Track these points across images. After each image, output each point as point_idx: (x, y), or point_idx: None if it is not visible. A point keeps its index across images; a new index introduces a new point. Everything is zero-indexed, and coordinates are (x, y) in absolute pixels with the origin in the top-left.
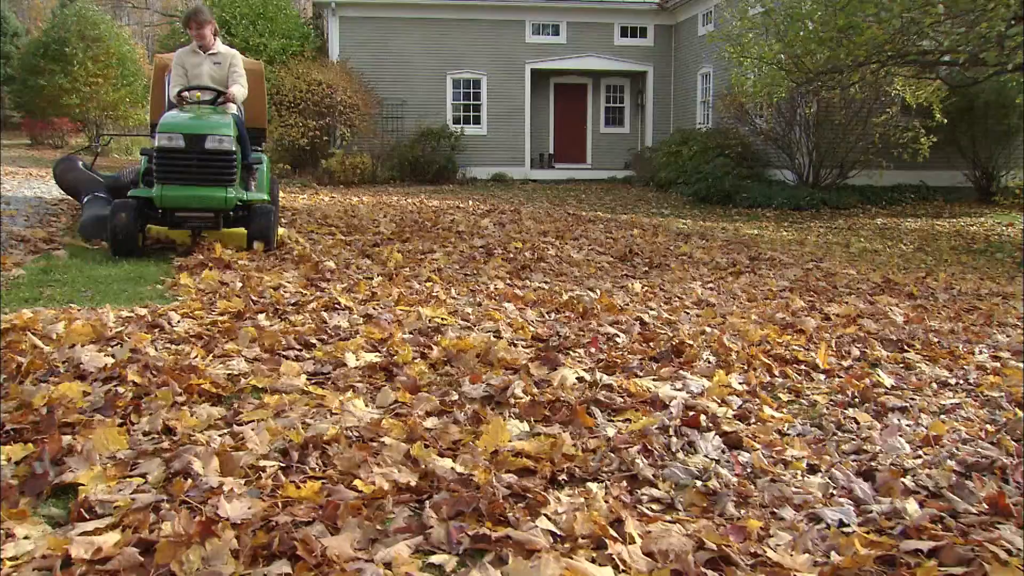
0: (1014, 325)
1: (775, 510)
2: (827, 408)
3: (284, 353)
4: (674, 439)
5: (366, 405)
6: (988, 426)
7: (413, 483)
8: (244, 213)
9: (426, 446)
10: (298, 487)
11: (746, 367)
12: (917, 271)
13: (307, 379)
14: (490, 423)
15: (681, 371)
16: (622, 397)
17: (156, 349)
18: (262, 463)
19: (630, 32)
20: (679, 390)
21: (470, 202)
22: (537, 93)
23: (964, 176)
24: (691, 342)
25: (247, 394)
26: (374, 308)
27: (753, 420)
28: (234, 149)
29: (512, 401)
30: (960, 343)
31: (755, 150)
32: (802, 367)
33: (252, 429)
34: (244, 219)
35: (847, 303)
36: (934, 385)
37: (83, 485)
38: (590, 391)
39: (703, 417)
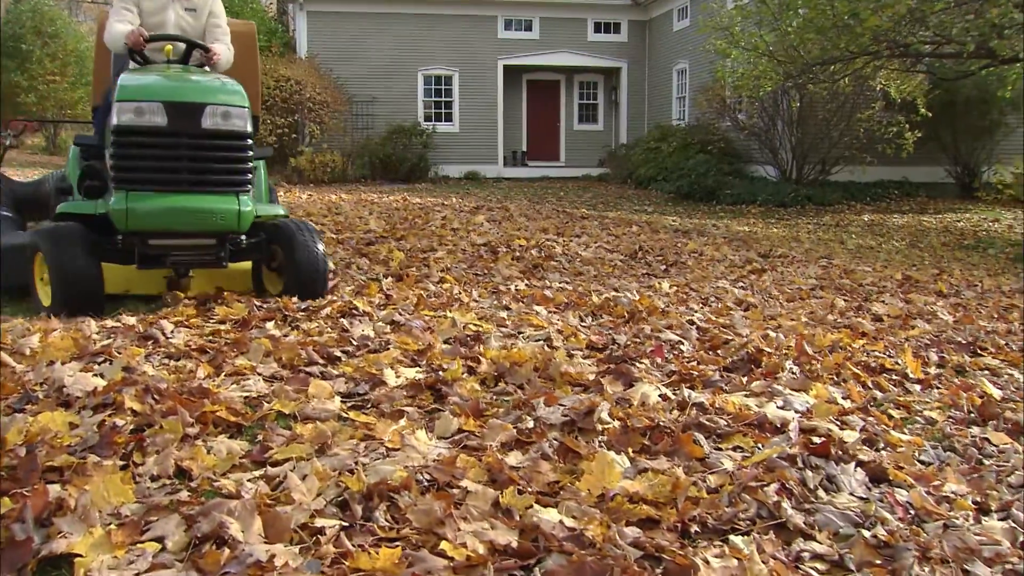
0: None
1: (966, 567)
2: (950, 427)
3: (307, 369)
4: (809, 473)
5: (427, 436)
6: None
7: (514, 543)
8: (258, 239)
9: (520, 492)
10: (371, 555)
11: (836, 378)
12: (929, 268)
13: (342, 402)
14: (593, 459)
15: (774, 385)
16: (722, 418)
17: (153, 367)
18: (317, 521)
19: (604, 28)
20: (783, 409)
21: (453, 199)
22: (509, 90)
23: (946, 172)
24: (768, 349)
25: (272, 422)
26: (399, 313)
27: (882, 445)
28: (250, 130)
29: (599, 427)
30: None
31: (736, 146)
32: (892, 376)
33: (292, 471)
34: (255, 247)
35: (885, 302)
36: None
37: (81, 556)
38: (682, 412)
39: (831, 444)
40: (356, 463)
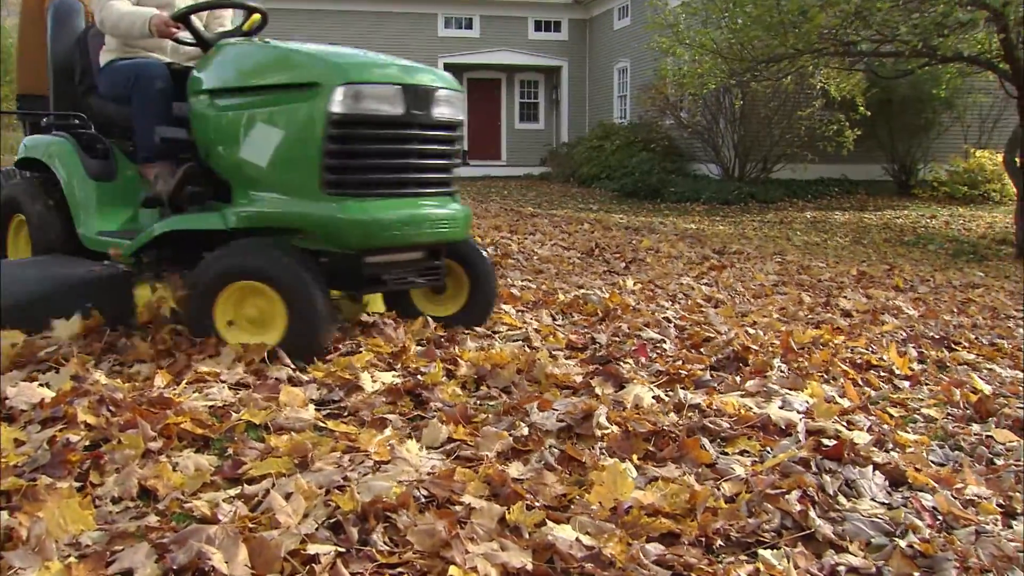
0: (1022, 317)
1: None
2: (952, 425)
3: (276, 375)
4: (827, 478)
5: (417, 447)
6: None
7: (528, 566)
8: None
9: (528, 508)
10: None
11: (825, 376)
12: (879, 264)
13: (316, 410)
14: (603, 469)
15: (769, 384)
16: (724, 421)
17: (105, 374)
18: (309, 547)
19: (544, 26)
20: (785, 409)
21: None
22: None
23: (884, 170)
24: (754, 347)
25: (241, 434)
26: (366, 314)
27: (891, 445)
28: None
29: (598, 433)
30: (996, 339)
31: (679, 144)
32: (880, 373)
33: (273, 489)
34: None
35: (847, 297)
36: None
37: None
38: (679, 415)
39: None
40: (344, 479)
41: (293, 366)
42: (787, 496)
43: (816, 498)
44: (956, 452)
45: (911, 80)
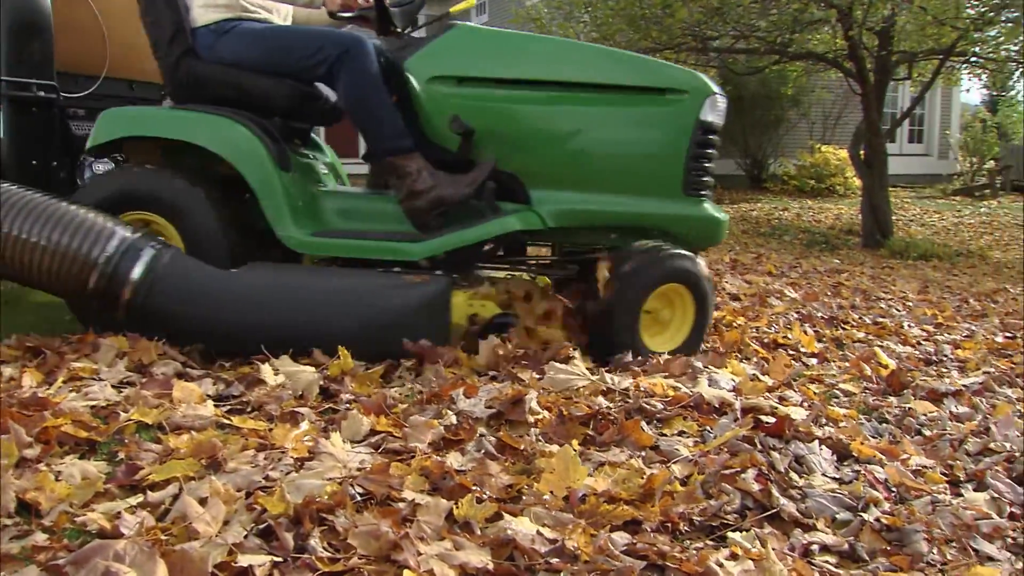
0: (890, 297)
1: (970, 544)
2: (871, 399)
3: (162, 371)
4: (777, 455)
5: (342, 441)
6: None
7: (490, 565)
8: None
9: (478, 500)
10: None
11: (739, 355)
12: (746, 252)
13: (216, 406)
14: (551, 456)
15: (694, 363)
16: (657, 401)
17: None
18: (240, 559)
19: None
20: (715, 388)
21: None
22: None
23: (736, 164)
24: None
25: (133, 436)
26: None
27: (825, 422)
28: None
29: (531, 419)
30: (877, 318)
31: None
32: (788, 351)
33: (184, 494)
34: None
35: (729, 283)
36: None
37: None
38: (609, 398)
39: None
40: (267, 479)
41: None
42: (743, 475)
43: (771, 477)
44: (883, 425)
45: (760, 78)
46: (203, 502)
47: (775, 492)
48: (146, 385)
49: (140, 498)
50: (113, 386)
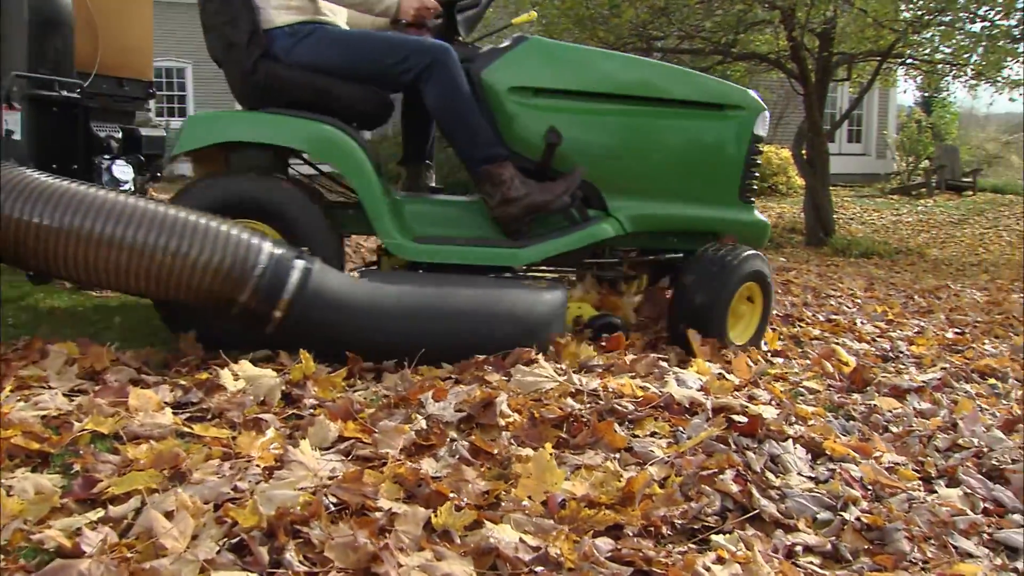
0: (840, 295)
1: (949, 541)
2: (836, 396)
3: (116, 378)
4: (752, 455)
5: (311, 448)
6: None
7: (473, 575)
8: None
9: (457, 508)
10: None
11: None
12: None
13: (174, 413)
14: (528, 460)
15: (660, 363)
16: (628, 402)
17: None
18: None
19: None
20: (684, 387)
21: None
22: None
23: None
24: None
25: (88, 446)
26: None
27: (795, 420)
28: None
29: (503, 422)
30: (830, 315)
31: None
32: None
33: (148, 508)
34: None
35: None
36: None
37: None
38: (579, 399)
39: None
40: (235, 489)
41: None
42: (721, 476)
43: (749, 477)
44: (851, 422)
45: None
46: (169, 516)
47: (755, 493)
48: (100, 393)
49: (100, 512)
50: (64, 394)
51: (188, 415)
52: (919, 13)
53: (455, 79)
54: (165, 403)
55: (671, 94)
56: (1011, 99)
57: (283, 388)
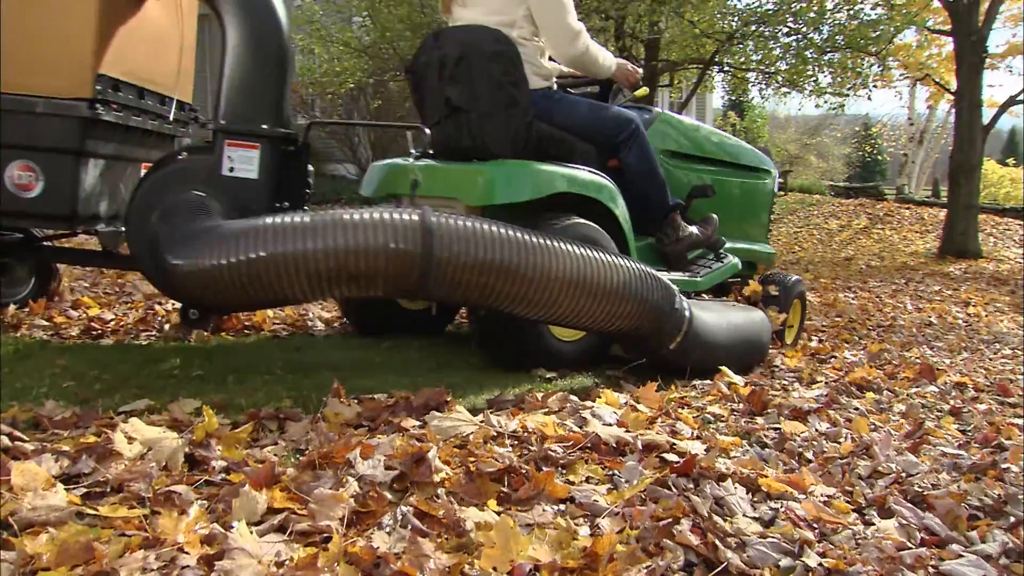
0: None
1: None
2: (742, 422)
3: None
4: (696, 499)
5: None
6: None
7: None
8: None
9: None
10: None
11: (599, 380)
12: None
13: (67, 490)
14: (490, 528)
15: (571, 397)
16: (558, 446)
17: None
18: None
19: None
20: (603, 424)
21: None
22: None
23: None
24: None
25: None
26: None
27: (720, 454)
28: None
29: (437, 478)
30: None
31: (315, 144)
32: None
33: None
34: None
35: None
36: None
37: None
38: (500, 442)
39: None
40: None
41: None
42: (678, 527)
43: (703, 525)
44: (766, 450)
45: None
46: None
47: (719, 544)
48: None
49: None
50: None
51: (84, 490)
52: (736, 25)
53: (648, 144)
54: (54, 477)
55: (740, 160)
56: (817, 105)
57: (186, 451)
